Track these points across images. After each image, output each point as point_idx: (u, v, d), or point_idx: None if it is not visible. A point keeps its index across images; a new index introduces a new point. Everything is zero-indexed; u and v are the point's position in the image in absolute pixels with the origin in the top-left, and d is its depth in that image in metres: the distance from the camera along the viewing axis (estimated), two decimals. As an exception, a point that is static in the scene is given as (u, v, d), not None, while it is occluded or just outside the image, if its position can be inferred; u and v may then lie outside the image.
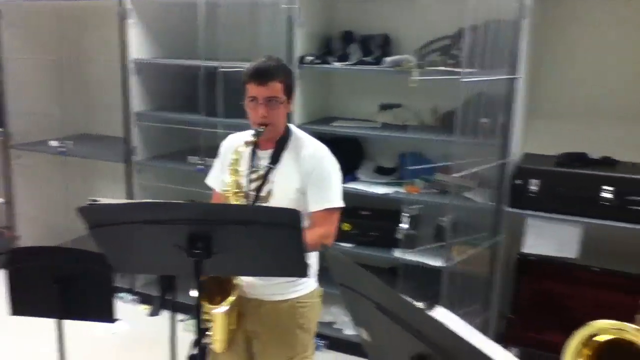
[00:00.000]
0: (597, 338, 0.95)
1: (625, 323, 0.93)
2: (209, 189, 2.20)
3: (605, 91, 2.94)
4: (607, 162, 2.82)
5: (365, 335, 1.22)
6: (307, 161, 1.99)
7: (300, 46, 3.21)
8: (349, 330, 3.31)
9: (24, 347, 3.28)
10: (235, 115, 3.24)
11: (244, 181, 2.02)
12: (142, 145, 3.78)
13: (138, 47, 3.64)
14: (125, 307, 3.75)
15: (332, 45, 3.41)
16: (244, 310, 2.04)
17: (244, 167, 2.03)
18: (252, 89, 1.91)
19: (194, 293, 1.76)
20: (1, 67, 4.05)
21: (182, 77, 3.79)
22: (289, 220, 1.56)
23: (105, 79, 3.99)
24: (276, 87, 1.91)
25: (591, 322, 0.96)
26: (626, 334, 0.92)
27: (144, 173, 3.79)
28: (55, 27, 4.18)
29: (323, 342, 3.33)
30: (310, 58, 3.21)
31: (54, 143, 4.04)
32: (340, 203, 2.01)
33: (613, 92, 2.93)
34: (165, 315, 3.59)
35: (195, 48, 3.47)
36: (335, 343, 3.31)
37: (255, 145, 2.01)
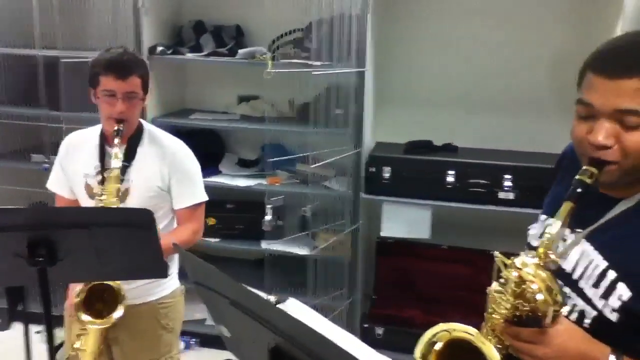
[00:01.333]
0: (436, 347, 1.02)
1: (452, 324, 1.02)
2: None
3: (447, 82, 3.18)
4: (450, 149, 3.06)
5: (224, 331, 1.23)
6: (166, 158, 1.95)
7: (149, 36, 3.09)
8: (212, 326, 3.26)
9: None
10: (80, 109, 3.02)
11: (91, 181, 1.92)
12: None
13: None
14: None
15: (184, 35, 3.32)
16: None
17: (90, 166, 1.93)
18: (109, 83, 1.82)
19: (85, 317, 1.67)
20: None
21: (21, 68, 3.46)
22: (141, 221, 1.51)
23: None
24: (135, 82, 1.85)
25: (424, 334, 1.03)
26: (457, 334, 1.01)
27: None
28: None
29: (195, 339, 3.28)
30: (161, 48, 3.10)
31: None
32: (204, 197, 2.03)
33: (454, 83, 3.18)
34: (17, 327, 3.29)
35: (31, 36, 3.19)
36: (207, 340, 3.26)
37: (104, 143, 1.93)
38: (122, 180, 1.87)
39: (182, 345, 3.18)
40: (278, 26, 3.12)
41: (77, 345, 1.85)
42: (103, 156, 1.93)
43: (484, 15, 3.06)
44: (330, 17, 2.82)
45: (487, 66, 3.10)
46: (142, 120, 2.00)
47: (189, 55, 3.17)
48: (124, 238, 1.52)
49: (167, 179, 1.94)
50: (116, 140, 1.84)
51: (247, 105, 3.41)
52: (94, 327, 1.83)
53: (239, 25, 3.31)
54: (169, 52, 3.14)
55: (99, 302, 1.85)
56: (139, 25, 3.03)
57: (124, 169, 1.88)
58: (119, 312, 1.81)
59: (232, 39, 3.25)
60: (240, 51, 3.05)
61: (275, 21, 3.12)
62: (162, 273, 1.69)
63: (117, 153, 1.84)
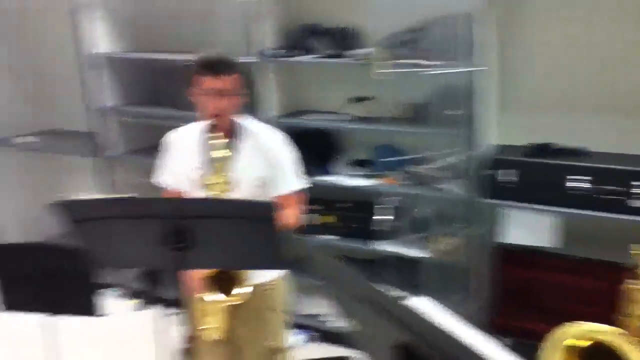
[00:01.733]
0: (576, 343, 0.97)
1: (597, 324, 0.95)
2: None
3: (576, 83, 3.00)
4: (577, 152, 2.87)
5: (351, 326, 1.25)
6: (265, 148, 2.06)
7: (263, 38, 3.21)
8: (333, 322, 3.33)
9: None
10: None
11: (197, 174, 2.03)
12: (117, 139, 3.73)
13: (105, 40, 3.59)
14: (113, 302, 3.70)
15: (297, 38, 3.41)
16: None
17: (194, 160, 2.05)
18: (207, 81, 1.94)
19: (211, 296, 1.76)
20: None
21: (150, 71, 3.74)
22: (263, 213, 1.58)
23: (70, 74, 3.90)
24: (230, 80, 1.96)
25: (562, 329, 0.97)
26: (600, 336, 0.94)
27: (120, 168, 3.73)
28: (19, 24, 4.07)
29: (308, 333, 3.36)
30: (275, 51, 3.22)
31: (20, 140, 3.95)
32: (304, 184, 2.13)
33: (583, 84, 2.99)
34: (152, 309, 3.56)
35: (162, 41, 3.44)
36: (321, 335, 3.34)
37: (206, 138, 2.05)
38: (227, 173, 1.98)
39: (302, 337, 3.31)
40: (389, 27, 3.11)
41: (201, 325, 1.98)
42: (206, 150, 2.05)
43: (616, 13, 2.85)
44: (443, 16, 2.76)
45: (618, 67, 2.89)
46: (239, 116, 2.10)
47: (302, 58, 3.26)
48: (248, 229, 1.59)
49: (266, 168, 2.05)
50: (217, 135, 1.96)
51: (358, 106, 3.44)
52: (219, 305, 1.95)
53: (350, 27, 3.35)
54: (283, 54, 3.24)
55: (221, 282, 1.97)
56: (251, 28, 3.16)
57: (227, 161, 1.99)
58: (245, 289, 1.92)
59: (344, 41, 3.29)
60: (351, 52, 3.09)
61: (387, 22, 3.11)
62: (278, 264, 1.75)
63: (220, 146, 1.95)
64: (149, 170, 3.67)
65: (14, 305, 2.15)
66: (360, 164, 3.43)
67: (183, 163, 2.10)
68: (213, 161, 1.97)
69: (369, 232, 3.14)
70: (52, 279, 2.09)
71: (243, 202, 1.84)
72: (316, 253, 1.22)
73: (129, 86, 3.76)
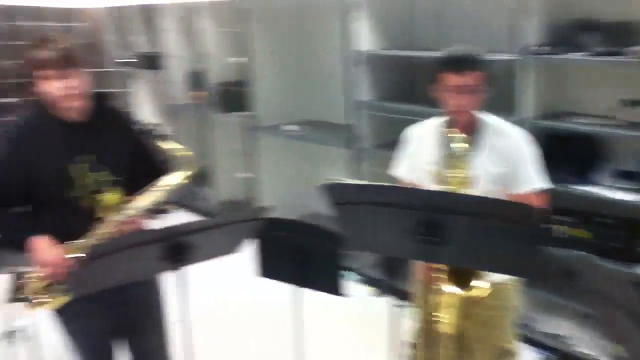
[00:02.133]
0: None
1: None
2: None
3: None
4: None
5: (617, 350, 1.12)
6: (507, 145, 2.00)
7: (527, 34, 3.03)
8: (577, 345, 3.05)
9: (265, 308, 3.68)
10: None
11: (436, 169, 2.03)
12: (369, 133, 3.93)
13: (368, 38, 3.78)
14: (350, 286, 3.96)
15: (565, 33, 3.14)
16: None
17: (433, 154, 2.05)
18: (451, 78, 1.93)
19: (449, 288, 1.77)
20: (251, 58, 4.54)
21: (411, 68, 3.85)
22: (523, 215, 1.50)
23: (333, 69, 4.24)
24: (475, 76, 1.93)
25: None
26: None
27: (369, 160, 3.93)
28: (295, 20, 4.55)
29: (546, 353, 3.13)
30: (539, 48, 3.02)
31: (289, 127, 4.43)
32: (545, 184, 2.04)
33: None
34: (386, 299, 3.70)
35: (419, 38, 3.50)
36: (560, 357, 3.09)
37: (444, 133, 2.05)
38: (467, 168, 1.95)
39: (540, 357, 3.11)
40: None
41: (434, 317, 1.98)
42: (443, 145, 2.05)
43: None
44: None
45: None
46: (481, 113, 2.05)
47: (569, 55, 3.00)
48: (508, 231, 1.53)
49: (506, 165, 1.98)
50: (454, 130, 1.95)
51: (631, 110, 3.04)
52: (455, 298, 1.93)
53: (629, 21, 2.96)
54: (549, 51, 3.03)
55: (457, 275, 1.94)
56: (515, 23, 3.00)
57: (466, 157, 1.95)
58: (483, 283, 1.87)
59: (620, 37, 2.94)
60: (629, 49, 2.75)
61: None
62: (536, 273, 1.64)
63: (459, 141, 1.93)
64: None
65: (267, 272, 2.40)
66: (628, 175, 3.04)
67: (420, 157, 2.14)
68: (451, 156, 1.97)
69: (633, 254, 2.76)
70: (305, 254, 2.28)
71: (503, 202, 1.78)
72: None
73: (385, 82, 3.93)
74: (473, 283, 1.89)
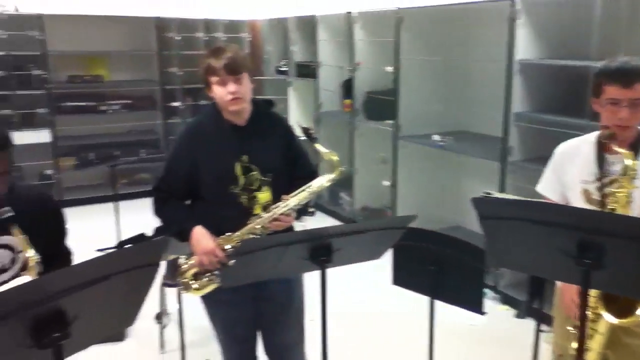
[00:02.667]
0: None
1: None
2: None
3: None
4: None
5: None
6: None
7: None
8: None
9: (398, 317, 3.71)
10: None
11: (589, 187, 1.90)
12: (519, 146, 3.76)
13: (524, 47, 3.62)
14: (486, 304, 3.83)
15: None
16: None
17: (586, 173, 1.91)
18: (613, 91, 1.81)
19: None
20: (398, 67, 4.58)
21: (568, 79, 3.62)
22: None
23: (488, 79, 4.11)
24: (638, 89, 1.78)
25: None
26: None
27: (517, 174, 3.77)
28: (445, 29, 4.50)
29: None
30: None
31: (435, 137, 4.39)
32: None
33: None
34: (527, 321, 3.55)
35: (587, 47, 3.26)
36: None
37: (602, 150, 1.92)
38: (631, 188, 1.80)
39: None
40: None
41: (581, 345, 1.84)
42: (601, 163, 1.91)
43: None
44: None
45: None
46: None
47: None
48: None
49: None
50: (614, 146, 1.81)
51: None
52: (606, 326, 1.80)
53: None
54: None
55: (611, 301, 1.80)
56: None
57: (635, 176, 1.79)
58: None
59: None
60: None
61: None
62: None
63: (630, 158, 1.78)
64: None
65: (403, 281, 2.39)
66: None
67: (571, 175, 2.01)
68: (618, 174, 1.83)
69: None
70: (446, 267, 2.24)
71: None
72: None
73: (542, 93, 3.74)
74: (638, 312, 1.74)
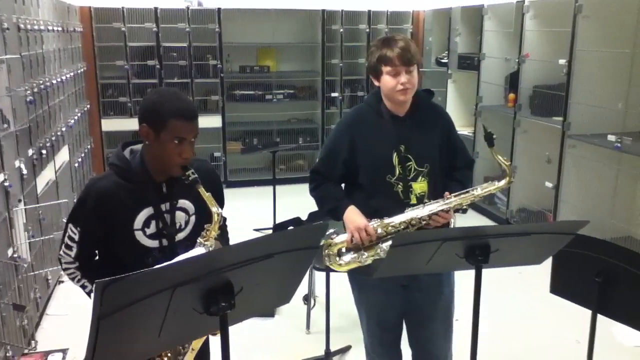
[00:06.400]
0: None
1: None
2: None
3: None
4: None
5: None
6: None
7: None
8: None
9: (559, 329, 3.49)
10: None
11: None
12: None
13: None
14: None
15: None
16: None
17: None
18: None
19: None
20: (572, 60, 4.23)
21: None
22: None
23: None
24: None
25: None
26: None
27: None
28: (630, 19, 4.04)
29: None
30: None
31: (611, 138, 3.99)
32: None
33: None
34: None
35: None
36: None
37: None
38: None
39: None
40: None
41: None
42: None
43: None
44: None
45: None
46: None
47: None
48: None
49: None
50: None
51: None
52: None
53: None
54: None
55: None
56: None
57: None
58: None
59: None
60: None
61: None
62: None
63: None
64: None
65: (563, 291, 2.22)
66: None
67: None
68: None
69: None
70: (613, 281, 2.03)
71: None
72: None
73: None
74: None
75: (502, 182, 2.10)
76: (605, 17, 4.10)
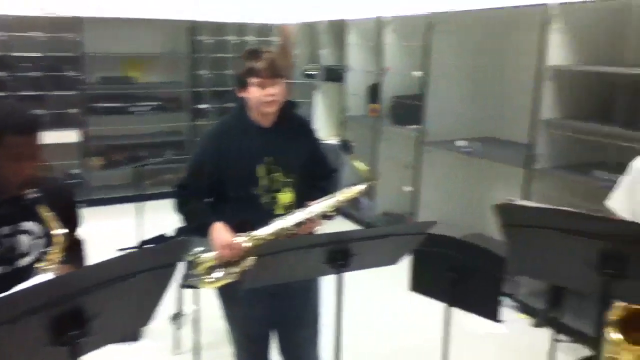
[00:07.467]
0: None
1: None
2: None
3: None
4: None
5: None
6: None
7: None
8: None
9: (414, 323, 3.67)
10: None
11: None
12: (547, 153, 3.69)
13: (557, 53, 3.55)
14: (504, 312, 3.78)
15: None
16: None
17: None
18: None
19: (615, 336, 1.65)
20: (427, 72, 4.54)
21: (600, 85, 3.54)
22: None
23: (520, 85, 4.05)
24: None
25: None
26: None
27: (543, 181, 3.70)
28: (477, 34, 4.45)
29: None
30: None
31: (461, 143, 4.34)
32: None
33: None
34: (545, 330, 3.48)
35: (620, 54, 3.19)
36: None
37: None
38: None
39: None
40: None
41: None
42: None
43: None
44: None
45: None
46: None
47: None
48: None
49: None
50: None
51: None
52: (626, 352, 1.72)
53: None
54: None
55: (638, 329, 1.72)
56: None
57: None
58: None
59: None
60: None
61: None
62: None
63: None
64: (573, 189, 3.56)
65: (420, 288, 2.37)
66: None
67: None
68: None
69: None
70: (464, 275, 2.21)
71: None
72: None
73: (575, 100, 3.65)
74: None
75: (361, 187, 2.18)
76: (455, 32, 4.44)
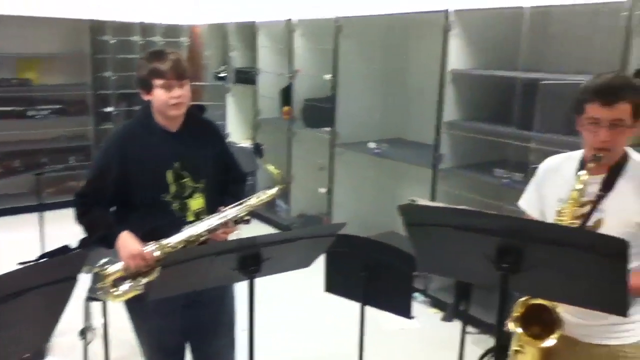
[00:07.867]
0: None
1: None
2: (512, 203, 2.12)
3: None
4: None
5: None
6: None
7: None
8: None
9: (331, 324, 3.72)
10: (552, 131, 3.07)
11: (560, 206, 1.87)
12: (450, 153, 3.86)
13: (457, 57, 3.73)
14: (416, 308, 3.91)
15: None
16: (553, 347, 1.83)
17: (565, 190, 1.83)
18: (594, 110, 1.69)
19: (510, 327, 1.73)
20: (337, 75, 4.62)
21: (497, 89, 3.76)
22: (614, 250, 1.40)
23: (424, 88, 4.21)
24: (623, 109, 1.68)
25: None
26: None
27: (448, 180, 3.87)
28: (383, 39, 4.58)
29: None
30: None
31: (371, 145, 4.45)
32: None
33: None
34: (456, 323, 3.64)
35: (515, 59, 3.40)
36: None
37: (582, 169, 1.81)
38: (595, 210, 1.76)
39: None
40: None
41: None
42: (578, 182, 1.79)
43: None
44: None
45: None
46: (628, 149, 1.82)
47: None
48: (592, 263, 1.44)
49: None
50: (589, 165, 1.74)
51: None
52: (528, 345, 1.82)
53: None
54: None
55: (538, 323, 1.82)
56: (628, 46, 2.83)
57: (599, 199, 1.76)
58: (551, 341, 1.75)
59: None
60: None
61: None
62: (620, 310, 1.53)
63: (582, 176, 1.74)
64: (476, 187, 3.76)
65: (335, 288, 2.42)
66: None
67: (550, 191, 1.93)
68: (572, 194, 1.76)
69: None
70: (375, 273, 2.27)
71: (591, 234, 1.65)
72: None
73: (474, 102, 3.85)
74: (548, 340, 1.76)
75: (274, 190, 2.18)
76: (362, 36, 4.54)
